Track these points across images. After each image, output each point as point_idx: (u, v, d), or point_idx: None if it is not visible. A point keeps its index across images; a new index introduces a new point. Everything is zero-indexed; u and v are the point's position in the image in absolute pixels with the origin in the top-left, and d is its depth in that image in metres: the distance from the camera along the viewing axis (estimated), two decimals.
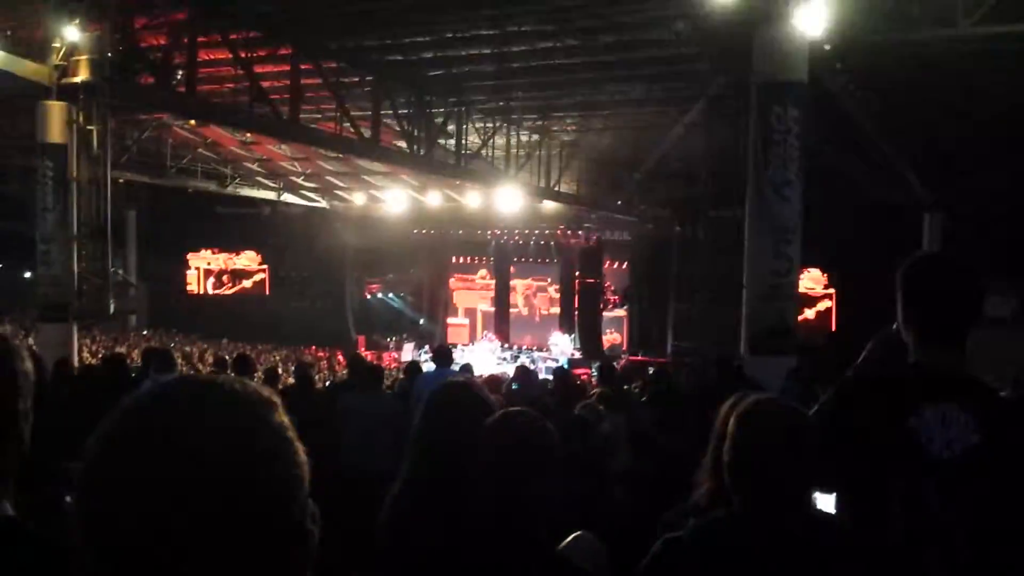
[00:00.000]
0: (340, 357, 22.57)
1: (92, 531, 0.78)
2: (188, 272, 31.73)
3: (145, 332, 25.60)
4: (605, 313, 28.09)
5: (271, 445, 0.82)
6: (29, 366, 1.49)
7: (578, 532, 2.48)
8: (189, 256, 31.66)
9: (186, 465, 0.77)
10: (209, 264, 32.03)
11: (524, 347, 27.49)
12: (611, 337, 28.36)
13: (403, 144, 18.61)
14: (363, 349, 25.23)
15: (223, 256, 31.97)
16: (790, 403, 1.99)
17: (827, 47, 11.14)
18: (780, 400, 2.01)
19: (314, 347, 26.03)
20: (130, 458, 0.78)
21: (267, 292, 31.31)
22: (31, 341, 16.12)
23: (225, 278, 32.01)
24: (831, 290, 24.68)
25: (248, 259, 31.94)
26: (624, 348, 27.41)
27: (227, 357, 11.63)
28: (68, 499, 3.27)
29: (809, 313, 23.60)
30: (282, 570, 0.82)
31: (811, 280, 24.15)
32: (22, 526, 1.40)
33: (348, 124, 17.17)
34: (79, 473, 0.80)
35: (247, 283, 31.91)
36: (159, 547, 0.76)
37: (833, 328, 24.21)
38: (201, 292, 31.62)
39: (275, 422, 0.84)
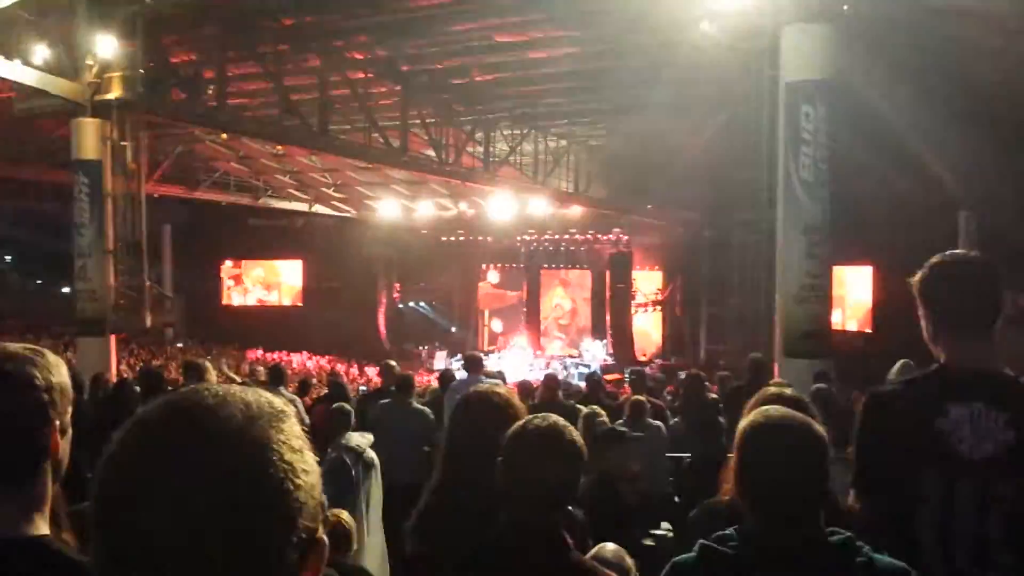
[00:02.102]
0: (371, 368, 22.66)
1: (100, 543, 0.79)
2: (223, 284, 32.08)
3: (180, 344, 25.88)
4: (636, 318, 27.97)
5: (281, 455, 0.81)
6: (65, 379, 1.48)
7: (604, 543, 2.46)
8: (223, 269, 32.01)
9: (192, 477, 0.77)
10: (243, 276, 32.35)
11: (556, 353, 27.46)
12: (643, 342, 28.22)
13: (431, 152, 18.70)
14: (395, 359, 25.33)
15: (257, 268, 32.29)
16: (799, 416, 1.92)
17: (857, 44, 11.02)
18: (789, 413, 1.93)
19: (346, 357, 26.19)
20: (135, 471, 0.79)
21: (301, 303, 31.57)
22: (70, 356, 16.38)
23: (259, 290, 32.32)
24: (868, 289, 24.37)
25: (282, 270, 32.23)
26: (658, 353, 27.29)
27: (261, 368, 11.72)
28: None
29: (849, 312, 23.34)
30: None
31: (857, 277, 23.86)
32: (52, 547, 1.40)
33: (377, 134, 17.29)
34: (91, 482, 0.80)
35: (281, 294, 32.20)
36: (164, 560, 0.76)
37: (870, 329, 23.92)
38: (236, 304, 31.94)
39: (286, 433, 0.83)
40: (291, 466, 0.81)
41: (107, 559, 0.78)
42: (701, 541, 1.87)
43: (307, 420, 5.34)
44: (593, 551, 2.42)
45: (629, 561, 2.68)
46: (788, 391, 2.83)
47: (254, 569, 0.78)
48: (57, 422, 1.45)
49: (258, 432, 0.82)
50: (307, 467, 0.84)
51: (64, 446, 1.48)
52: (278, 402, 0.87)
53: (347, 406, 5.84)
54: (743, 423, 1.93)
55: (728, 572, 1.81)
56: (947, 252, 2.25)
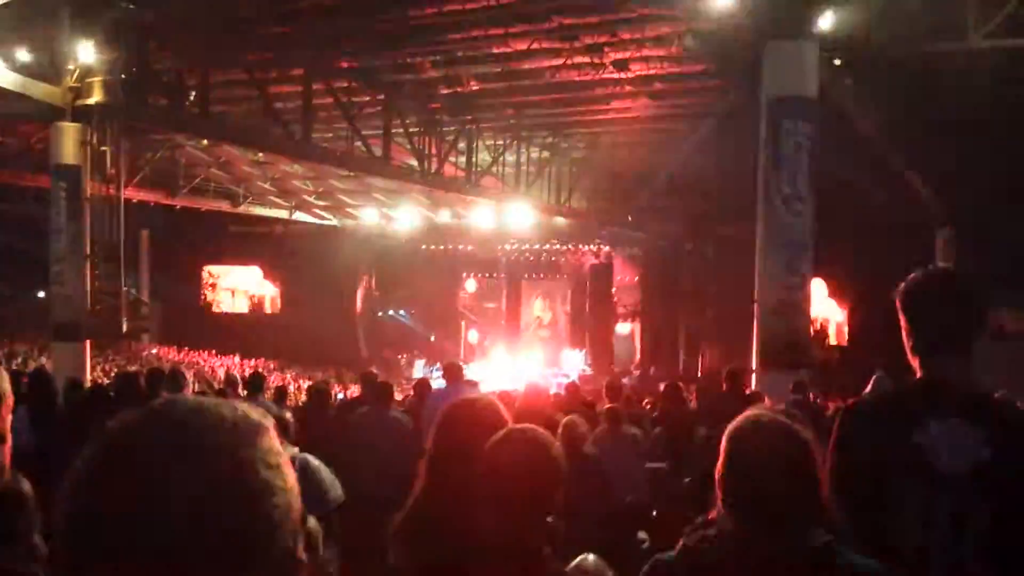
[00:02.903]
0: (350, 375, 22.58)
1: (67, 562, 0.76)
2: (201, 291, 31.86)
3: (155, 350, 25.67)
4: (616, 329, 28.03)
5: (257, 473, 0.78)
6: (4, 386, 1.44)
7: (585, 555, 2.47)
8: (202, 275, 31.81)
9: (164, 496, 0.73)
10: (221, 283, 32.16)
11: (535, 363, 27.46)
12: (622, 353, 28.28)
13: (414, 162, 18.69)
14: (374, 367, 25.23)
15: (235, 275, 32.11)
16: (786, 421, 1.92)
17: (837, 61, 11.14)
18: (777, 418, 1.93)
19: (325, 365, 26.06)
20: (103, 488, 0.75)
21: (279, 310, 31.41)
22: (44, 361, 16.21)
23: (237, 296, 32.13)
24: (843, 304, 24.57)
25: (260, 277, 32.06)
26: (636, 364, 27.35)
27: (237, 376, 11.64)
28: None
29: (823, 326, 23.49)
30: None
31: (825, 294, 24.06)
32: None
33: (359, 143, 17.27)
34: (60, 497, 0.77)
35: (259, 301, 32.03)
36: (133, 572, 0.73)
37: (844, 343, 24.11)
38: (214, 311, 31.73)
39: (263, 448, 0.80)
40: (267, 484, 0.78)
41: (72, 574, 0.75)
42: (683, 541, 1.88)
43: (290, 429, 5.27)
44: (574, 563, 2.42)
45: (610, 574, 2.68)
46: (780, 408, 2.84)
47: None
48: None
49: (232, 449, 0.78)
50: (284, 484, 0.80)
51: (3, 452, 1.45)
52: (255, 416, 0.82)
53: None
54: (729, 427, 1.93)
55: (708, 572, 1.82)
56: (930, 266, 2.26)
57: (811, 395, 8.38)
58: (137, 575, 0.72)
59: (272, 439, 0.81)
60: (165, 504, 0.73)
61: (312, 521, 4.10)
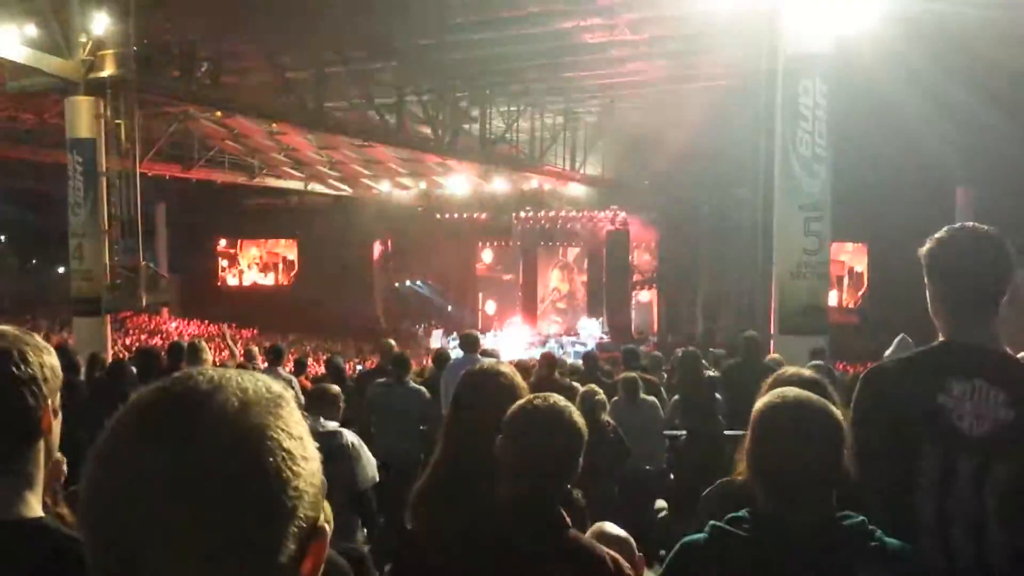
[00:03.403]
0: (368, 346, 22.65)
1: (91, 534, 0.77)
2: (219, 263, 32.02)
3: (175, 324, 25.85)
4: (634, 295, 27.99)
5: (280, 443, 0.79)
6: (55, 362, 1.46)
7: (603, 522, 2.46)
8: (219, 247, 31.94)
9: (188, 467, 0.74)
10: (239, 255, 32.30)
11: (552, 332, 27.50)
12: (640, 320, 28.26)
13: (427, 130, 18.61)
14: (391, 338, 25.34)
15: (252, 247, 32.23)
16: (816, 398, 1.88)
17: (855, 18, 10.95)
18: (805, 394, 1.90)
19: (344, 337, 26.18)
20: (128, 461, 0.76)
21: (297, 282, 31.53)
22: (65, 336, 16.37)
23: (255, 268, 32.28)
24: (863, 265, 24.41)
25: (277, 249, 32.18)
26: (654, 331, 27.33)
27: (255, 348, 11.71)
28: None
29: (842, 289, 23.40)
30: (297, 568, 0.80)
31: (848, 254, 23.93)
32: (50, 528, 1.38)
33: (373, 112, 17.20)
34: (85, 470, 0.78)
35: (276, 273, 32.17)
36: (160, 552, 0.74)
37: (863, 305, 23.99)
38: (231, 284, 31.90)
39: (285, 419, 0.81)
40: (290, 453, 0.79)
41: (100, 549, 0.76)
42: (712, 522, 1.85)
43: (303, 400, 5.28)
44: (593, 529, 2.42)
45: (632, 543, 2.68)
46: (806, 372, 2.81)
47: (253, 560, 0.76)
48: (50, 401, 1.43)
49: (255, 419, 0.79)
50: (307, 454, 0.81)
51: (55, 427, 1.46)
52: (276, 386, 0.83)
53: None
54: (758, 404, 1.90)
55: (740, 554, 1.79)
56: (958, 224, 2.21)
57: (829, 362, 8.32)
58: (162, 547, 0.73)
59: (294, 410, 0.82)
60: (189, 474, 0.74)
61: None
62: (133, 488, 0.74)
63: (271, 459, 0.77)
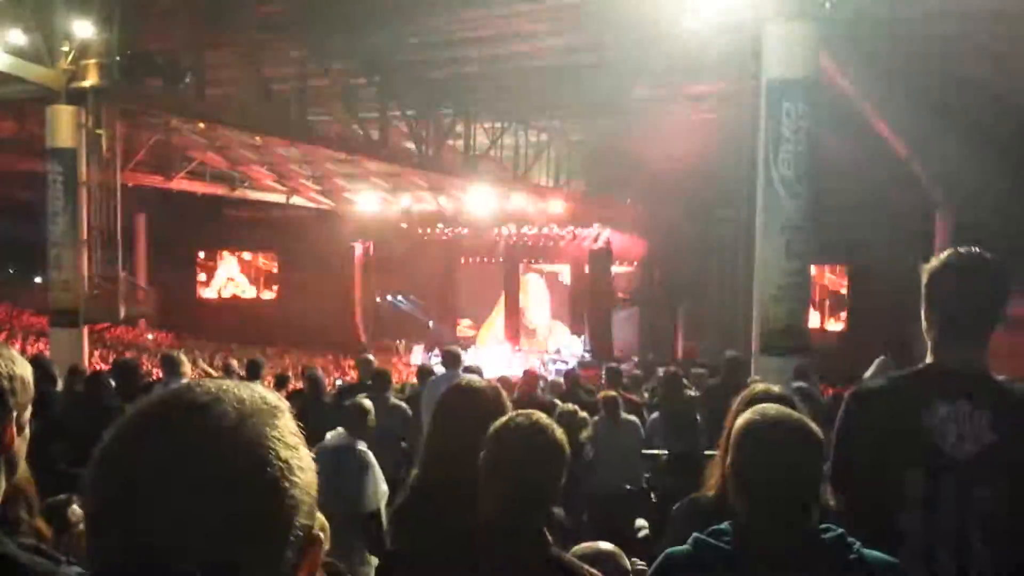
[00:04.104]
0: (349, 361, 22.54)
1: (97, 538, 0.78)
2: (198, 276, 31.81)
3: (151, 336, 25.61)
4: (615, 314, 28.02)
5: (277, 452, 0.80)
6: (27, 375, 1.42)
7: (598, 543, 2.44)
8: (199, 260, 31.75)
9: (187, 477, 0.76)
10: (218, 268, 32.10)
11: (535, 349, 27.47)
12: (621, 339, 28.29)
13: (411, 145, 18.61)
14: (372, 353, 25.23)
15: (232, 260, 32.05)
16: (795, 415, 1.93)
17: (837, 43, 11.07)
18: (785, 411, 1.94)
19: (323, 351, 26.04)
20: (128, 471, 0.77)
21: (277, 295, 31.37)
22: (41, 347, 16.18)
23: (235, 282, 32.08)
24: (844, 287, 24.58)
25: (257, 262, 32.01)
26: (635, 350, 27.35)
27: (234, 362, 11.63)
28: (75, 505, 3.25)
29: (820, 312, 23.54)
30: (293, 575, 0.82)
31: (828, 279, 24.11)
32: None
33: (356, 126, 17.18)
34: (85, 478, 0.80)
35: (258, 287, 31.99)
36: (162, 561, 0.75)
37: (843, 327, 24.13)
38: (211, 296, 31.69)
39: (280, 430, 0.83)
40: (287, 464, 0.81)
41: (104, 561, 0.78)
42: (696, 535, 1.87)
43: (369, 416, 5.32)
44: (586, 546, 2.40)
45: (626, 560, 2.67)
46: (775, 389, 2.83)
47: (252, 568, 0.78)
48: (15, 413, 1.39)
49: (253, 429, 0.81)
50: (302, 464, 0.83)
51: (19, 444, 1.42)
52: (272, 397, 0.86)
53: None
54: (739, 421, 1.92)
55: (723, 567, 1.81)
56: (962, 248, 2.21)
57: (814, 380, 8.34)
58: (164, 556, 0.75)
59: (289, 420, 0.85)
60: (188, 484, 0.76)
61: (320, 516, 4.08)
62: (134, 497, 0.76)
63: (269, 469, 0.79)
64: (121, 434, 0.80)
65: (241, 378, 9.10)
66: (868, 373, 6.73)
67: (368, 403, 5.40)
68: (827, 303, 24.45)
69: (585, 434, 6.29)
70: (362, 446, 5.03)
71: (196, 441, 0.78)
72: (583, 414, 6.36)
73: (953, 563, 2.04)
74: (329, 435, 5.25)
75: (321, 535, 0.84)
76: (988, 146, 15.79)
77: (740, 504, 1.87)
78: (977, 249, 2.19)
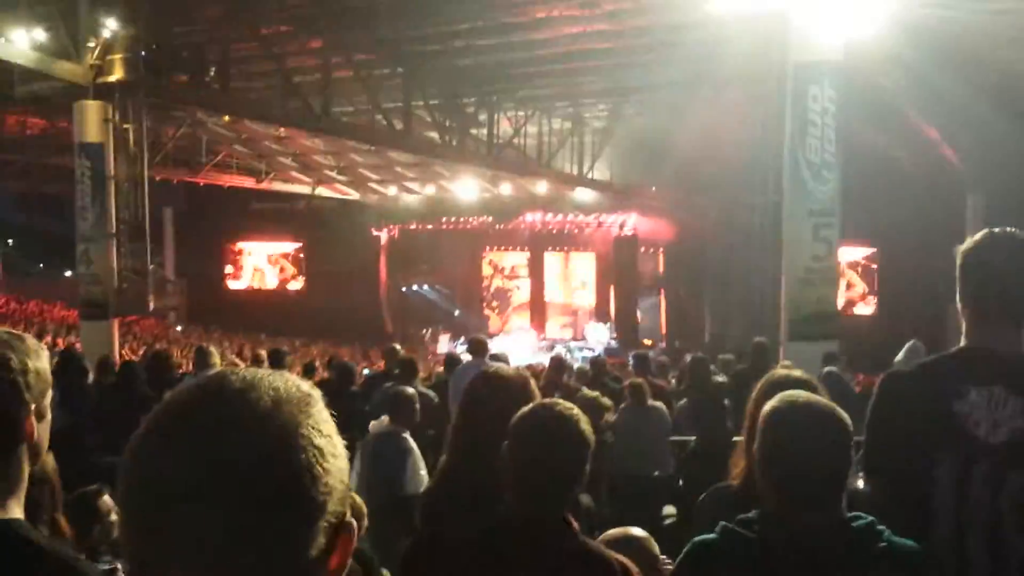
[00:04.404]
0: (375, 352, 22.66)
1: (131, 526, 0.79)
2: (225, 268, 32.06)
3: (179, 328, 25.86)
4: (641, 301, 27.93)
5: (311, 439, 0.82)
6: (44, 364, 1.45)
7: (629, 528, 2.44)
8: (226, 252, 31.99)
9: (223, 463, 0.77)
10: (246, 260, 32.32)
11: (560, 336, 27.45)
12: (648, 326, 28.20)
13: (435, 135, 18.62)
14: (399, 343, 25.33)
15: (260, 251, 32.26)
16: (824, 401, 1.91)
17: (864, 25, 10.92)
18: (813, 398, 1.92)
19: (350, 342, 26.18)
20: (164, 458, 0.79)
21: (304, 286, 31.55)
22: (72, 340, 16.40)
23: (262, 273, 32.30)
24: (871, 272, 24.34)
25: (284, 254, 32.19)
26: (662, 336, 27.27)
27: (263, 352, 11.72)
28: (106, 495, 3.29)
29: (853, 293, 23.35)
30: (326, 562, 0.82)
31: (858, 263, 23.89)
32: (22, 532, 1.38)
33: (380, 116, 17.22)
34: (121, 468, 0.81)
35: (284, 278, 32.18)
36: (198, 546, 0.76)
37: (873, 311, 23.91)
38: (238, 288, 31.93)
39: (314, 417, 0.84)
40: (320, 451, 0.82)
41: (140, 545, 0.79)
42: (723, 523, 1.86)
43: (415, 407, 5.41)
44: (617, 532, 2.40)
45: (655, 546, 2.66)
46: (796, 373, 2.80)
47: (285, 554, 0.79)
48: (33, 406, 1.43)
49: (287, 416, 0.81)
50: (336, 451, 0.84)
51: (41, 431, 1.46)
52: (306, 386, 0.87)
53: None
54: (767, 407, 1.91)
55: (751, 555, 1.81)
56: (996, 228, 2.17)
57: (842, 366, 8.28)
58: (200, 541, 0.76)
59: (323, 408, 0.86)
60: (224, 470, 0.77)
61: (357, 497, 4.13)
62: (169, 484, 0.77)
63: (303, 456, 0.80)
64: (157, 422, 0.81)
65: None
66: (899, 357, 6.67)
67: (412, 391, 5.47)
68: (857, 287, 24.22)
69: (607, 419, 6.28)
70: (405, 433, 5.10)
71: (231, 427, 0.79)
72: (605, 400, 6.35)
73: (984, 551, 2.01)
74: (373, 424, 5.33)
75: (354, 522, 0.85)
76: (1018, 127, 15.55)
77: (767, 491, 1.86)
78: (1011, 229, 2.14)
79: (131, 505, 0.79)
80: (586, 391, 6.54)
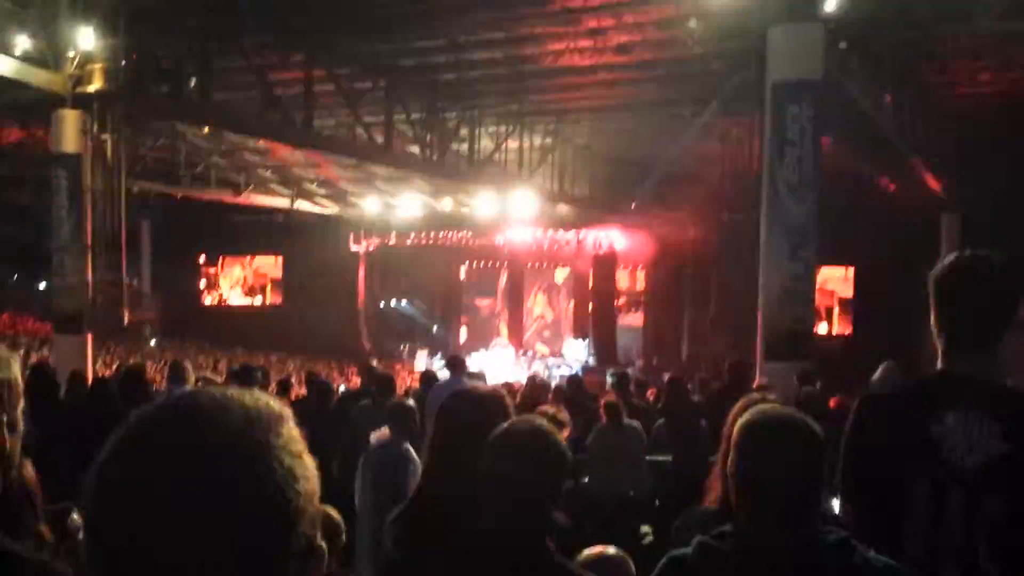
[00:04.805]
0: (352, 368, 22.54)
1: (95, 545, 0.77)
2: (202, 282, 31.84)
3: (152, 342, 25.61)
4: (620, 319, 27.96)
5: (281, 461, 0.80)
6: (15, 375, 1.44)
7: (606, 547, 2.42)
8: (203, 265, 31.78)
9: (190, 485, 0.76)
10: (223, 274, 32.13)
11: (538, 354, 27.42)
12: (625, 344, 28.24)
13: (416, 149, 18.62)
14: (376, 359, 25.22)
15: (236, 265, 32.08)
16: (797, 415, 1.90)
17: (842, 45, 11.04)
18: (787, 411, 1.92)
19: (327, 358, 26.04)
20: (131, 478, 0.77)
21: (281, 301, 31.38)
22: (46, 353, 16.20)
23: (239, 287, 32.11)
24: (846, 292, 24.51)
25: (262, 268, 32.03)
26: (640, 354, 27.30)
27: (237, 367, 11.62)
28: (75, 513, 3.23)
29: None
30: None
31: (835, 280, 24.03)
32: None
33: (361, 130, 17.20)
34: (86, 485, 0.79)
35: (261, 292, 32.00)
36: (162, 569, 0.74)
37: (848, 331, 24.06)
38: (215, 302, 31.71)
39: (284, 437, 0.82)
40: (290, 472, 0.80)
41: (102, 566, 0.77)
42: (698, 538, 1.85)
43: (414, 418, 5.51)
44: (594, 551, 2.38)
45: (632, 566, 2.65)
46: (771, 397, 2.81)
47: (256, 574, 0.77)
48: (4, 417, 1.40)
49: (256, 437, 0.80)
50: (306, 473, 0.83)
51: (13, 442, 1.44)
52: (276, 405, 0.85)
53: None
54: (740, 421, 1.90)
55: (724, 569, 1.79)
56: (967, 251, 2.16)
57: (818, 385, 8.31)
58: (164, 564, 0.74)
59: (294, 428, 0.84)
60: (190, 493, 0.75)
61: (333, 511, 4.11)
62: (137, 504, 0.75)
63: (273, 477, 0.78)
64: (123, 440, 0.80)
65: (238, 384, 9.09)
66: (874, 378, 6.70)
67: (412, 403, 5.60)
68: (832, 307, 24.37)
69: (566, 434, 6.26)
70: (406, 443, 5.17)
71: (198, 448, 0.77)
72: (562, 415, 6.33)
73: None
74: (374, 435, 5.39)
75: (323, 546, 0.84)
76: (993, 146, 15.76)
77: (740, 505, 1.85)
78: (983, 251, 2.14)
79: (95, 524, 0.78)
80: (548, 408, 6.52)
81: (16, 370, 1.45)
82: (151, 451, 0.78)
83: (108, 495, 0.77)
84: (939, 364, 2.14)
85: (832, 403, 7.16)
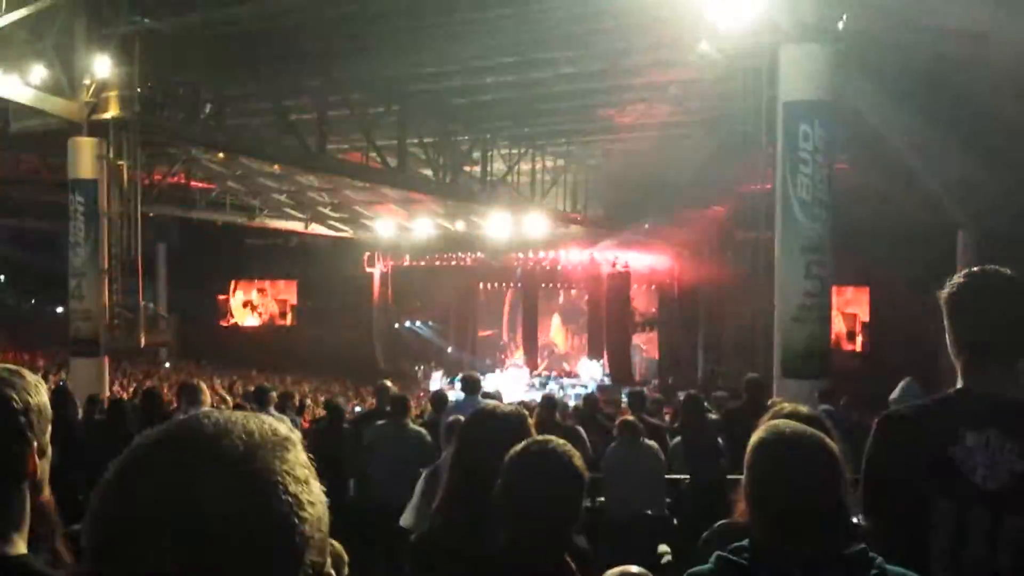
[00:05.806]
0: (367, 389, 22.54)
1: (95, 569, 0.76)
2: (218, 305, 31.99)
3: (167, 364, 25.72)
4: (635, 338, 27.91)
5: (286, 487, 0.78)
6: (44, 400, 1.46)
7: (628, 567, 2.40)
8: (219, 289, 31.94)
9: (193, 512, 0.74)
10: (238, 296, 32.28)
11: (553, 373, 27.39)
12: (640, 363, 28.17)
13: (429, 172, 18.71)
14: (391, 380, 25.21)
15: (252, 288, 32.22)
16: (811, 430, 1.89)
17: (854, 64, 11.04)
18: (800, 427, 1.91)
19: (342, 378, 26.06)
20: (130, 504, 0.75)
21: (296, 323, 31.48)
22: (63, 376, 16.28)
23: (255, 310, 32.24)
24: (862, 310, 24.38)
25: (277, 291, 32.17)
26: (655, 373, 27.22)
27: (252, 389, 11.66)
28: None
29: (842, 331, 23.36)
30: None
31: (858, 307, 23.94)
32: (31, 567, 1.38)
33: (375, 154, 17.30)
34: (88, 510, 0.77)
35: (276, 315, 32.12)
36: None
37: (864, 349, 23.91)
38: (231, 325, 31.83)
39: (290, 463, 0.80)
40: (296, 498, 0.78)
41: None
42: (718, 552, 1.85)
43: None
44: (616, 571, 2.36)
45: None
46: (804, 408, 2.79)
47: None
48: (35, 443, 1.43)
49: (261, 463, 0.78)
50: (313, 498, 0.80)
51: (43, 467, 1.46)
52: (282, 429, 0.83)
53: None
54: (754, 437, 1.90)
55: None
56: (979, 267, 2.15)
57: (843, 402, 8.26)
58: None
59: (300, 452, 0.82)
60: (193, 520, 0.73)
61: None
62: (137, 532, 0.73)
63: (277, 504, 0.76)
64: (125, 465, 0.78)
65: (253, 408, 9.12)
66: (894, 395, 6.66)
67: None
68: (849, 325, 24.25)
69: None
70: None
71: (201, 474, 0.75)
72: (579, 434, 6.32)
73: None
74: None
75: (332, 573, 0.82)
76: (1008, 164, 15.68)
77: (756, 520, 1.85)
78: (993, 268, 2.13)
79: (95, 548, 0.76)
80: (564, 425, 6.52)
81: (45, 395, 1.48)
82: (151, 476, 0.76)
83: (107, 519, 0.76)
84: (959, 382, 2.13)
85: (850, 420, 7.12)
